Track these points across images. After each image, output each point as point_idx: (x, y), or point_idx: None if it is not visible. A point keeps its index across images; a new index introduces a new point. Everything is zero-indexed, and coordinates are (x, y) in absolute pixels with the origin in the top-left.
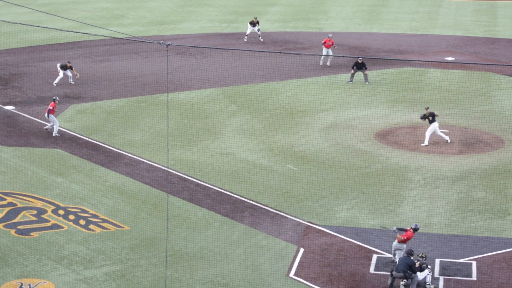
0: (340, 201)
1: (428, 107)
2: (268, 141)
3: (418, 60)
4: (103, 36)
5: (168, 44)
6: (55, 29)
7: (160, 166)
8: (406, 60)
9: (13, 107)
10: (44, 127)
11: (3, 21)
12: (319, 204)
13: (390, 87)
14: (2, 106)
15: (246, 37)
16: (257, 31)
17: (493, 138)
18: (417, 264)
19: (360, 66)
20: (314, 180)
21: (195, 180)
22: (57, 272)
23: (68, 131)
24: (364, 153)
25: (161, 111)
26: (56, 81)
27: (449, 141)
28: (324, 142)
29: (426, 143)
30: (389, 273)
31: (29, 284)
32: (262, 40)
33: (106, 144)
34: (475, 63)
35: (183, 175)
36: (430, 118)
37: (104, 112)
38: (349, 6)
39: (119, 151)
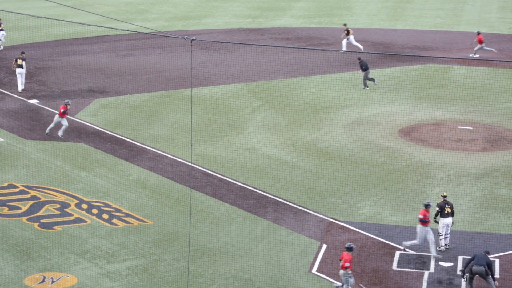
0: (363, 197)
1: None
2: (291, 137)
3: (443, 57)
4: (127, 30)
5: (193, 39)
6: (79, 23)
7: (183, 161)
8: (430, 56)
9: (38, 101)
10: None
11: (28, 15)
12: (342, 200)
13: (414, 83)
14: (26, 100)
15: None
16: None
17: None
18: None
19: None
20: (338, 176)
21: (218, 175)
22: (80, 266)
23: (92, 125)
24: (388, 150)
25: (185, 106)
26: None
27: None
28: (347, 138)
29: None
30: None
31: (52, 278)
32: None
33: (129, 139)
34: (499, 60)
35: (207, 170)
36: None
37: (128, 107)
38: (374, 2)
39: (142, 145)
